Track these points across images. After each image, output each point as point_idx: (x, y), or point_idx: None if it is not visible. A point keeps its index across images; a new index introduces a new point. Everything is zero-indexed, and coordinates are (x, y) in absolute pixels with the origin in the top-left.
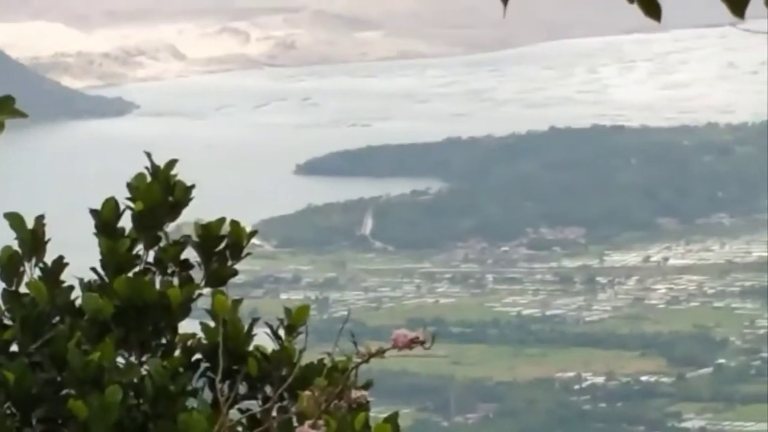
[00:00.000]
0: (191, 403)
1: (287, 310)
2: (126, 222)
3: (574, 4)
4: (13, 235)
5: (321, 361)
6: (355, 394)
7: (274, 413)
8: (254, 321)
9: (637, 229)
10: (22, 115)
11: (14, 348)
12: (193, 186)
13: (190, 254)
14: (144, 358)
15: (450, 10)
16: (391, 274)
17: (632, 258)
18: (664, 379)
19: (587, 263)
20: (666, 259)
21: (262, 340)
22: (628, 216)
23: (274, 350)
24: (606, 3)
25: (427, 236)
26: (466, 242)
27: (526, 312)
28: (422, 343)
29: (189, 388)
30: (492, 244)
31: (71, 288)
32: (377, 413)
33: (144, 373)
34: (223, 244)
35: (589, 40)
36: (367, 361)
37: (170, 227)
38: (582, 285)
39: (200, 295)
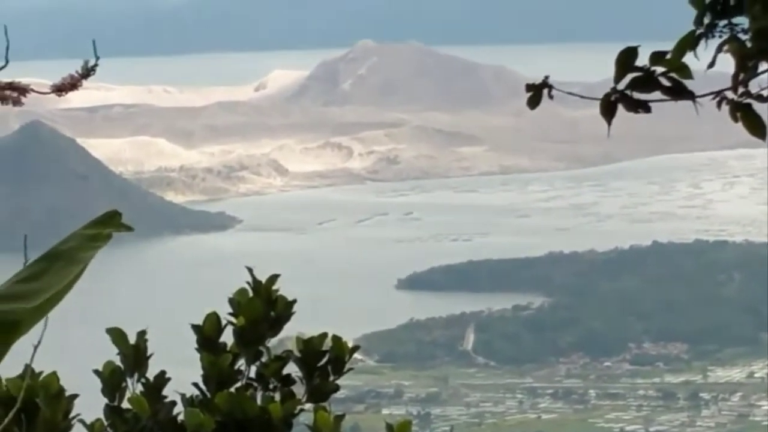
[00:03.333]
0: None
1: (389, 426)
2: (228, 336)
3: (676, 120)
4: (116, 350)
5: None
6: None
7: None
8: None
9: (740, 344)
10: (129, 229)
11: None
12: (294, 301)
13: (291, 368)
14: None
15: (552, 125)
16: (493, 390)
17: (736, 374)
18: None
19: (690, 379)
20: None
21: None
22: (732, 331)
23: None
24: (708, 118)
25: (529, 351)
26: (568, 357)
27: (629, 428)
28: None
29: None
30: (594, 359)
31: (173, 403)
32: None
33: None
34: (325, 360)
35: (692, 155)
36: None
37: (272, 341)
38: (685, 401)
39: (302, 410)
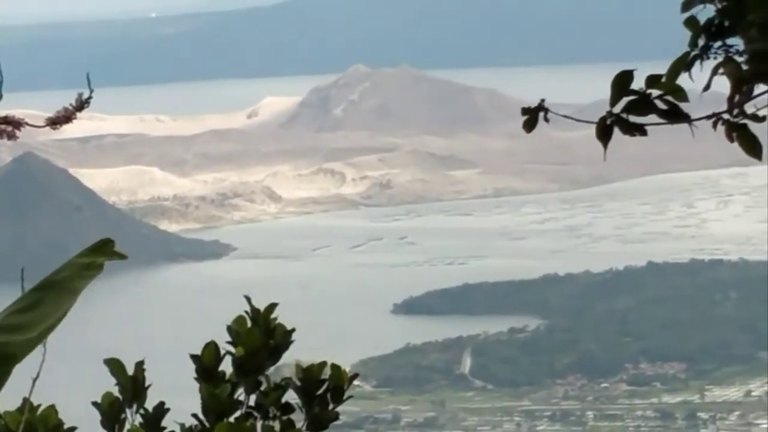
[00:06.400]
0: None
1: None
2: (227, 365)
3: (668, 139)
4: (114, 381)
5: None
6: None
7: None
8: None
9: (737, 363)
10: (122, 257)
11: None
12: (293, 330)
13: (290, 395)
14: None
15: (544, 147)
16: (490, 413)
17: (733, 393)
18: None
19: (688, 399)
20: None
21: None
22: (729, 350)
23: None
24: (701, 137)
25: (526, 374)
26: (565, 379)
27: None
28: None
29: None
30: (591, 380)
31: None
32: None
33: None
34: (324, 388)
35: (686, 175)
36: None
37: (270, 369)
38: (683, 420)
39: None
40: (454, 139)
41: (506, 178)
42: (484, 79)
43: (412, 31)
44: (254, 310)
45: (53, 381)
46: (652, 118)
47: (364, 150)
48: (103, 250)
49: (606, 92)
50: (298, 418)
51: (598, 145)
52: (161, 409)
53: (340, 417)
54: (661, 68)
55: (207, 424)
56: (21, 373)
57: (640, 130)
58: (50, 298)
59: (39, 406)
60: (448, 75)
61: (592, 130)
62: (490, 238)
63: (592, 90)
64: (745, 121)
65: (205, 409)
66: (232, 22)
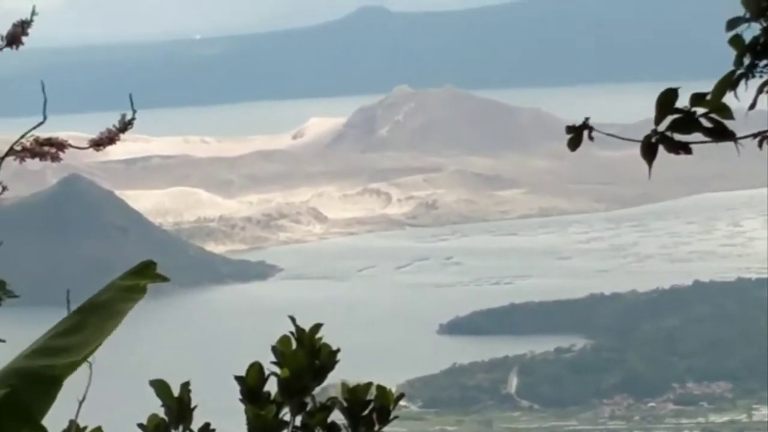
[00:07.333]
0: None
1: None
2: (272, 385)
3: (714, 158)
4: (159, 402)
5: None
6: None
7: None
8: None
9: None
10: (164, 279)
11: None
12: (338, 350)
13: (336, 416)
14: None
15: (589, 167)
16: None
17: None
18: None
19: (735, 418)
20: None
21: None
22: None
23: None
24: (747, 156)
25: (572, 393)
26: (612, 399)
27: None
28: None
29: None
30: (638, 400)
31: None
32: None
33: None
34: (370, 408)
35: (732, 194)
36: None
37: (315, 389)
38: None
39: None
40: (499, 158)
41: (551, 198)
42: (528, 99)
43: (457, 51)
44: (299, 331)
45: (99, 402)
46: (697, 136)
47: (410, 170)
48: (145, 272)
49: (650, 112)
50: None
51: (643, 164)
52: (207, 431)
53: None
54: (705, 87)
55: None
56: (67, 394)
57: (685, 148)
58: (93, 320)
59: (85, 428)
60: (492, 95)
61: (636, 149)
62: (535, 257)
63: (636, 109)
64: None
65: (251, 431)
66: (277, 43)
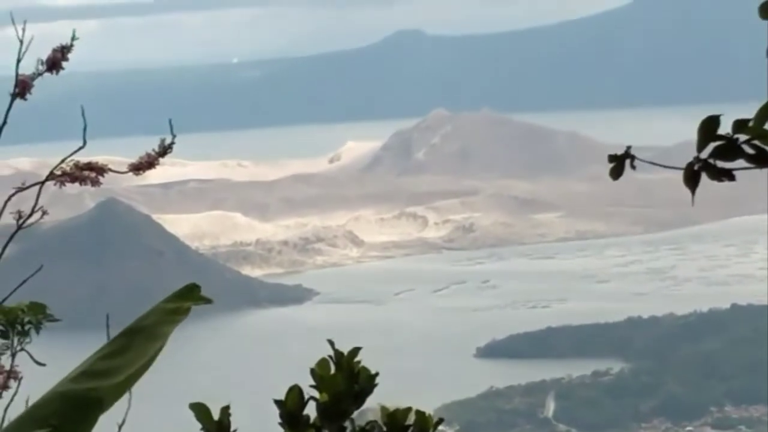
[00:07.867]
0: None
1: None
2: (311, 408)
3: (752, 180)
4: (199, 426)
5: None
6: None
7: None
8: None
9: None
10: (208, 301)
11: None
12: (377, 374)
13: None
14: None
15: (626, 190)
16: None
17: None
18: None
19: None
20: None
21: None
22: None
23: None
24: None
25: (610, 417)
26: (649, 422)
27: None
28: None
29: None
30: (676, 423)
31: None
32: None
33: None
34: None
35: None
36: None
37: (354, 413)
38: None
39: None
40: (536, 182)
41: (589, 221)
42: (564, 122)
43: (493, 74)
44: (338, 354)
45: (139, 426)
46: (740, 162)
47: (446, 194)
48: (189, 295)
49: (686, 133)
50: None
51: (681, 187)
52: None
53: None
54: (742, 109)
55: None
56: (107, 418)
57: (728, 175)
58: (137, 343)
59: None
60: (528, 118)
61: (673, 172)
62: (572, 280)
63: (673, 131)
64: None
65: None
66: (313, 67)
